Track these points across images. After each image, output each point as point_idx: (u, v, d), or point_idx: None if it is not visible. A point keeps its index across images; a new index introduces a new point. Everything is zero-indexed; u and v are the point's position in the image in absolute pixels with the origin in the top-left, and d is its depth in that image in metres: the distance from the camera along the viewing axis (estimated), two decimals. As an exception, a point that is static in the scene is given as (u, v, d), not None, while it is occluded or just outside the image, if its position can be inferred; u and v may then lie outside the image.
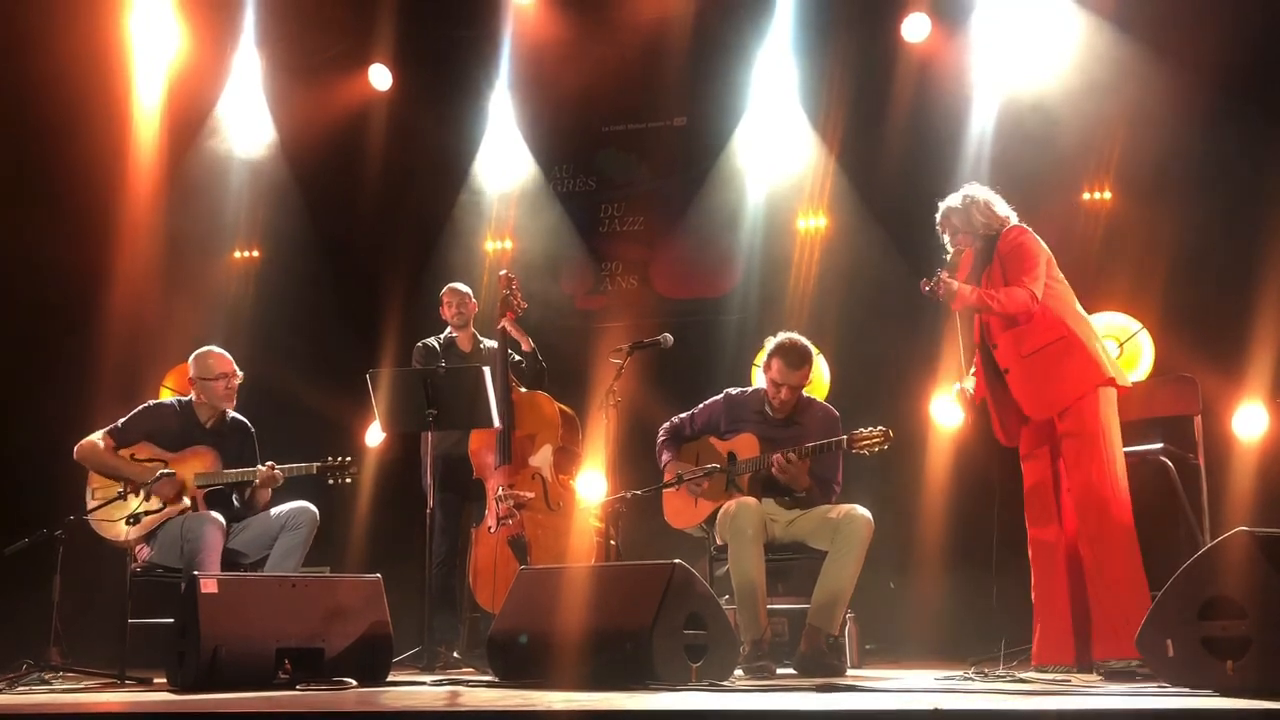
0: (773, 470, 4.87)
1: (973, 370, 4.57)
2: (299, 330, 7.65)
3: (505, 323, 5.85)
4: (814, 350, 5.18)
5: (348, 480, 5.35)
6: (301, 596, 4.23)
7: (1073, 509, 4.31)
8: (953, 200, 4.60)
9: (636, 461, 5.57)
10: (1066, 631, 4.25)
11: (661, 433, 5.37)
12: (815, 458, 4.91)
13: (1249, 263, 6.01)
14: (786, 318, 6.96)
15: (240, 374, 5.47)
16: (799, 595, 5.45)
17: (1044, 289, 4.30)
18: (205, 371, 5.41)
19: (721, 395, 5.30)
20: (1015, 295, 4.28)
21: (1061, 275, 4.43)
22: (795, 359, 4.99)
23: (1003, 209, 4.53)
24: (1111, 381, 4.29)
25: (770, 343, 5.09)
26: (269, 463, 5.29)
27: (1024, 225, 4.49)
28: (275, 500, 5.35)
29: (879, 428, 4.76)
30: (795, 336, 5.07)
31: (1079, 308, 4.43)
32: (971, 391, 4.56)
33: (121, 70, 7.38)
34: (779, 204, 7.52)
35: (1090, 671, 4.07)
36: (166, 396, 6.64)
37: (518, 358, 5.89)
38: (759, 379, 5.15)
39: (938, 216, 4.64)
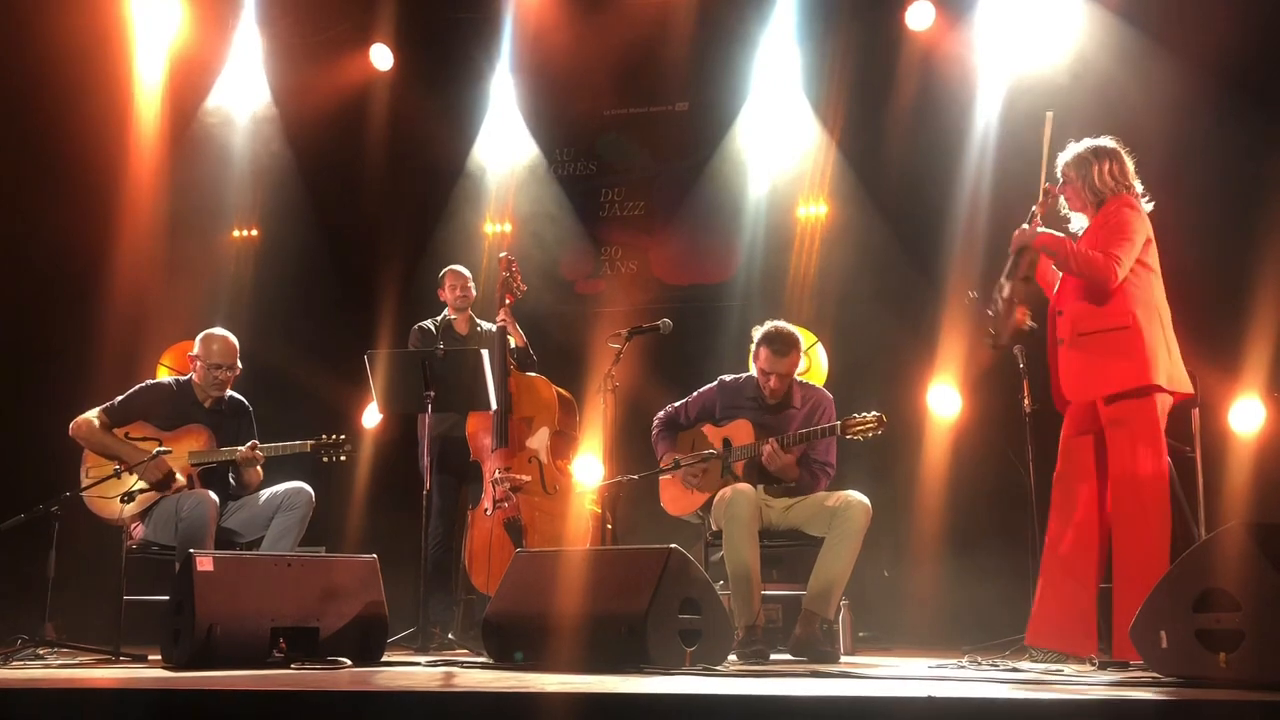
0: (763, 460, 4.88)
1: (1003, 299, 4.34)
2: (297, 310, 7.64)
3: (504, 315, 5.85)
4: (806, 338, 5.18)
5: (341, 458, 5.35)
6: (297, 576, 4.23)
7: (1098, 500, 4.20)
8: (1081, 148, 4.32)
9: (633, 446, 5.58)
10: (1067, 617, 4.18)
11: (656, 423, 5.38)
12: (808, 443, 4.93)
13: (1248, 257, 6.01)
14: (786, 305, 6.97)
15: (239, 367, 5.45)
16: (793, 581, 5.47)
17: (1129, 270, 4.09)
18: (206, 356, 5.39)
19: (715, 382, 5.31)
20: (1094, 261, 4.05)
21: (1156, 263, 4.21)
22: (782, 346, 4.99)
23: (1133, 179, 4.27)
24: (1159, 388, 4.08)
25: (757, 332, 5.10)
26: (251, 442, 5.29)
27: (1135, 198, 4.25)
28: (272, 480, 5.35)
29: (872, 413, 4.76)
30: (781, 324, 5.07)
31: (1162, 302, 4.22)
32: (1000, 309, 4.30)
33: (122, 48, 7.37)
34: (780, 191, 7.52)
35: (1084, 662, 4.07)
36: (164, 375, 6.65)
37: (511, 344, 5.89)
38: (754, 368, 5.16)
39: (1060, 160, 4.36)
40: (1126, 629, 3.62)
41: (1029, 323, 4.26)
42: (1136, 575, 3.95)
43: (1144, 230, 4.18)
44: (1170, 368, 4.15)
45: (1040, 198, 4.39)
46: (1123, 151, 4.33)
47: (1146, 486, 4.05)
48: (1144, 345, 4.09)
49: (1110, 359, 4.12)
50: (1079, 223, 4.41)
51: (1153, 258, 4.21)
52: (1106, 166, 4.26)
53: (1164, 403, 4.14)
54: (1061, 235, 4.24)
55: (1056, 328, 4.31)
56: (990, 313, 4.38)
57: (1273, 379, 5.89)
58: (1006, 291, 4.28)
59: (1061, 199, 4.43)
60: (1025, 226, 4.34)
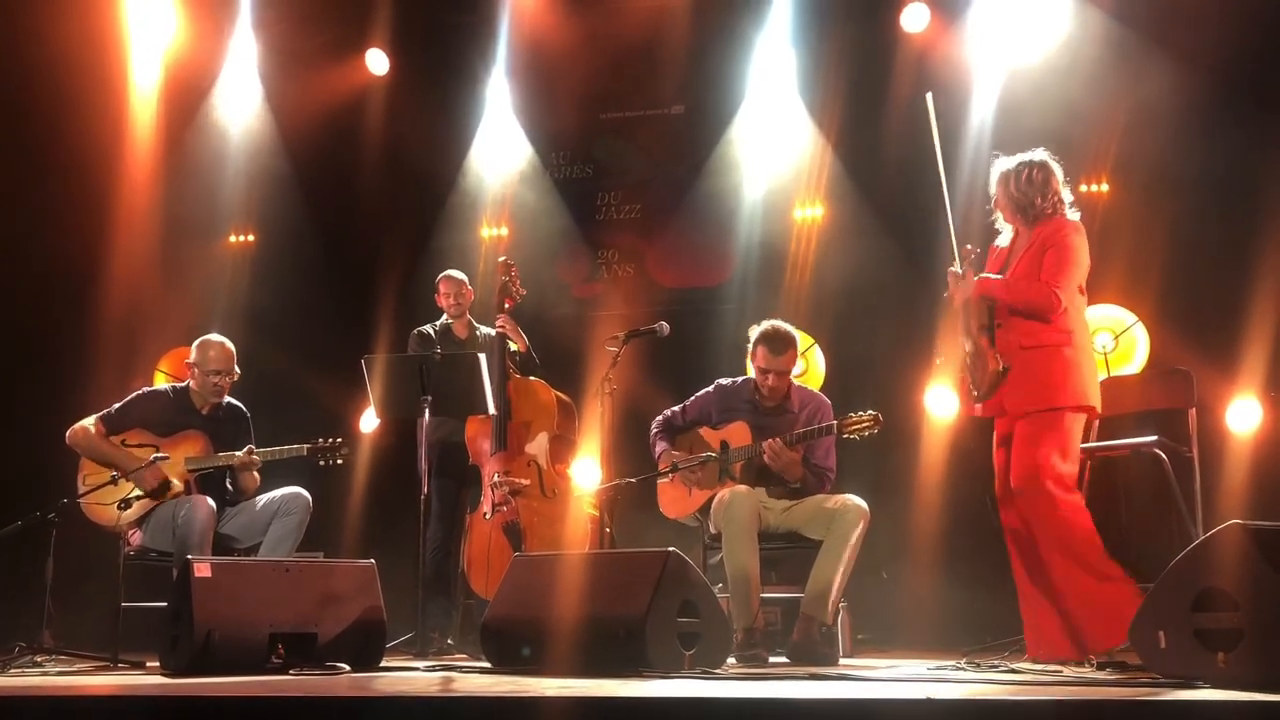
0: (764, 458, 4.88)
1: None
2: (294, 315, 7.62)
3: (503, 321, 5.85)
4: (800, 336, 5.20)
5: (338, 461, 5.36)
6: (295, 581, 4.23)
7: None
8: (1011, 164, 4.37)
9: (631, 449, 5.57)
10: (1052, 621, 4.21)
11: (655, 425, 5.38)
12: (806, 445, 4.93)
13: (1244, 257, 6.01)
14: (782, 307, 6.96)
15: (238, 372, 5.45)
16: (792, 584, 5.46)
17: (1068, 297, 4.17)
18: (202, 363, 5.40)
19: (713, 386, 5.31)
20: (1038, 294, 4.14)
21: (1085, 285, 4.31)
22: (778, 345, 5.01)
23: (1064, 194, 4.32)
24: (1092, 410, 4.23)
25: (754, 331, 5.11)
26: (247, 447, 5.28)
27: (1079, 224, 4.31)
28: (270, 485, 5.35)
29: (869, 412, 4.77)
30: (778, 323, 5.09)
31: (1086, 322, 4.34)
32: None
33: (118, 54, 7.35)
34: (776, 193, 7.51)
35: (1083, 663, 4.07)
36: (161, 382, 6.64)
37: (513, 348, 5.89)
38: (752, 369, 5.17)
39: (994, 173, 4.43)
40: (1082, 624, 3.98)
41: (1002, 364, 4.26)
42: (1065, 573, 4.06)
43: (1087, 259, 4.26)
44: (1095, 388, 4.27)
45: (958, 260, 4.42)
46: (1051, 163, 4.35)
47: (1049, 489, 4.11)
48: (1081, 366, 4.20)
49: (1052, 374, 4.18)
50: (1007, 235, 4.45)
51: (1082, 284, 4.29)
52: (1039, 183, 4.30)
53: (1078, 421, 4.22)
54: (997, 278, 4.28)
55: (994, 338, 4.29)
56: (967, 370, 4.37)
57: (1270, 379, 5.90)
58: (970, 347, 4.32)
59: (998, 216, 4.47)
60: (958, 272, 4.38)
